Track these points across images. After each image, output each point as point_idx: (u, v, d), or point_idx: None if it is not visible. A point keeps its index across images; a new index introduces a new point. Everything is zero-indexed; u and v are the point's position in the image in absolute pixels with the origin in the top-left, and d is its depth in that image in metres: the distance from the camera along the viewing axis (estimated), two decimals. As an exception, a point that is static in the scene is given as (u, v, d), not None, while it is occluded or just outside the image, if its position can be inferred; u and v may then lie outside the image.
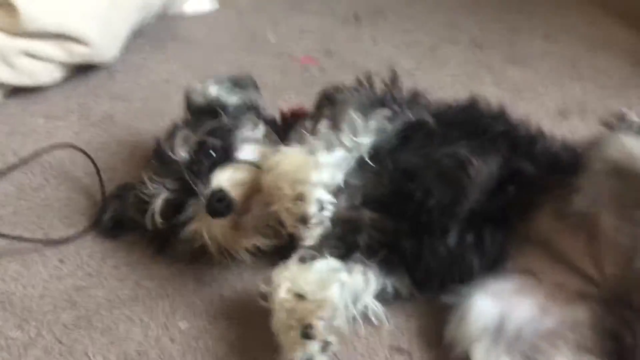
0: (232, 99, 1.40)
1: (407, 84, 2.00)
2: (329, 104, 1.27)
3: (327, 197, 1.10)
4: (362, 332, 1.18)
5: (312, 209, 1.07)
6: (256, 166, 1.23)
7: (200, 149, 1.26)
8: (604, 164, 1.07)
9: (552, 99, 1.98)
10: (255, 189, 1.22)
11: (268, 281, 1.12)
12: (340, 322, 1.09)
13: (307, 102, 1.52)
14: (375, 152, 1.21)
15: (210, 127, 1.29)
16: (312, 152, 1.16)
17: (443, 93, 1.96)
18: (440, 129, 1.24)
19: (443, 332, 1.14)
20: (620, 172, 1.05)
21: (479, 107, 1.32)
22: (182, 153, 1.26)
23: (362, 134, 1.19)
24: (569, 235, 1.15)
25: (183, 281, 1.29)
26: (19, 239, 1.34)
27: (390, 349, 1.16)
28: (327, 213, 1.10)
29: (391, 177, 1.20)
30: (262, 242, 1.25)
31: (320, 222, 1.09)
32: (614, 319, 1.07)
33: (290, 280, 1.10)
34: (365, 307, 1.18)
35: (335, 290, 1.12)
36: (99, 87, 2.02)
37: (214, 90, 1.40)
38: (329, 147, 1.18)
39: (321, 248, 1.20)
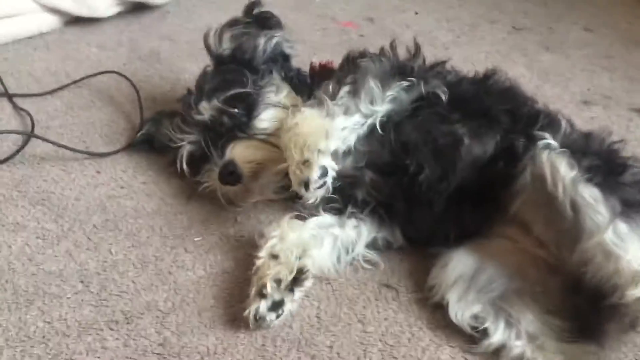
0: (260, 43, 1.45)
1: (440, 56, 2.12)
2: (352, 69, 1.34)
3: (331, 164, 1.18)
4: (357, 267, 1.29)
5: (314, 175, 1.15)
6: (270, 143, 1.35)
7: (221, 115, 1.37)
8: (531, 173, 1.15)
9: (579, 85, 2.03)
10: (265, 162, 1.34)
11: (261, 235, 1.26)
12: (307, 284, 1.19)
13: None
14: (386, 121, 1.30)
15: (233, 94, 1.38)
16: (330, 115, 1.25)
17: (473, 68, 2.07)
18: (447, 105, 1.30)
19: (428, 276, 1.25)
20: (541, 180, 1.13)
21: (491, 81, 1.39)
22: (205, 115, 1.38)
23: (379, 103, 1.28)
24: (537, 215, 1.21)
25: (202, 202, 1.42)
26: (64, 147, 1.50)
27: (380, 284, 1.26)
28: (329, 179, 1.18)
29: (392, 149, 1.29)
30: (271, 197, 1.40)
31: (322, 187, 1.18)
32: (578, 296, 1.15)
33: (279, 237, 1.22)
34: (358, 254, 1.29)
35: (317, 252, 1.24)
36: (150, 25, 2.16)
37: (228, 36, 1.46)
38: (347, 112, 1.27)
39: (317, 205, 1.30)
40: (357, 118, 1.27)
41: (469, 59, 2.14)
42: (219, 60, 1.48)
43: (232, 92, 1.39)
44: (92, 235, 1.32)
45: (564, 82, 2.05)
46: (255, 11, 1.50)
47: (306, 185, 1.16)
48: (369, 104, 1.27)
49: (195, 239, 1.33)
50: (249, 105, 1.40)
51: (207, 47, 1.47)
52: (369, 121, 1.29)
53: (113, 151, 1.54)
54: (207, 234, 1.35)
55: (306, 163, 1.16)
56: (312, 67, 1.57)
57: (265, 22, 1.49)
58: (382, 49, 1.42)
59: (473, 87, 1.39)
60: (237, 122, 1.38)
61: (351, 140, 1.28)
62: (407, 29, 2.31)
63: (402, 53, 1.42)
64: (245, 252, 1.30)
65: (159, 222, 1.37)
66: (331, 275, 1.27)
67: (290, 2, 2.42)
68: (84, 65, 1.89)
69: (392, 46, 1.42)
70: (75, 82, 1.77)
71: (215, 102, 1.38)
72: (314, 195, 1.18)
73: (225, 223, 1.38)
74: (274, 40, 1.48)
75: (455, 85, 1.37)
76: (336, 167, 1.20)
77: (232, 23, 1.47)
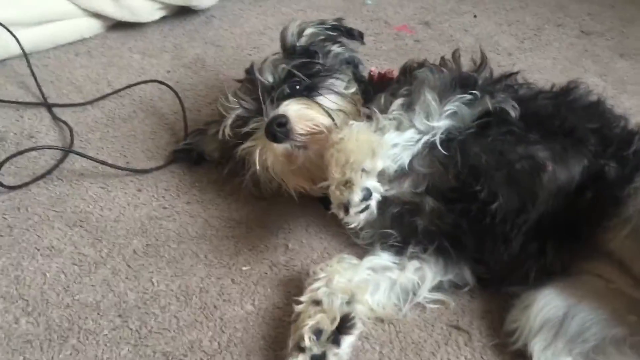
0: (335, 48, 1.37)
1: (503, 63, 1.96)
2: (409, 81, 1.21)
3: (376, 186, 1.05)
4: (423, 306, 1.15)
5: (355, 198, 1.02)
6: (330, 115, 1.21)
7: (286, 78, 1.25)
8: None
9: (660, 98, 1.85)
10: (320, 129, 1.19)
11: (308, 274, 1.14)
12: (355, 332, 1.05)
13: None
14: (448, 139, 1.15)
15: (304, 63, 1.28)
16: (381, 130, 1.11)
17: (541, 76, 1.91)
18: (521, 123, 1.15)
19: (506, 318, 1.10)
20: None
21: (572, 96, 1.23)
22: (268, 76, 1.26)
23: (436, 118, 1.13)
24: None
25: (251, 226, 1.30)
26: (104, 163, 1.39)
27: (449, 326, 1.12)
28: (373, 202, 1.04)
29: (458, 172, 1.14)
30: (310, 186, 1.24)
31: (364, 210, 1.04)
32: None
33: (326, 280, 1.09)
34: (421, 298, 1.15)
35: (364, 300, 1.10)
36: (194, 30, 2.05)
37: (309, 31, 1.38)
38: (399, 127, 1.13)
39: (374, 240, 1.20)
40: (410, 134, 1.13)
41: (535, 67, 1.98)
42: (290, 51, 1.36)
43: (304, 60, 1.29)
44: (131, 262, 1.22)
45: (643, 93, 1.87)
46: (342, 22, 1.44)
47: (346, 208, 1.02)
48: (424, 119, 1.13)
49: (243, 268, 1.21)
50: (316, 82, 1.27)
51: (283, 36, 1.37)
52: (425, 138, 1.14)
53: (155, 167, 1.43)
54: (255, 262, 1.23)
55: (348, 184, 1.02)
56: (370, 77, 1.44)
57: (350, 31, 1.41)
58: (443, 59, 1.27)
59: (552, 103, 1.22)
60: (298, 95, 1.24)
61: (404, 158, 1.13)
62: (466, 34, 2.15)
63: (465, 63, 1.27)
64: (297, 284, 1.18)
65: (204, 247, 1.25)
66: (393, 317, 1.13)
67: (340, 5, 2.29)
68: (126, 73, 1.79)
69: (455, 56, 1.27)
70: (117, 91, 1.68)
71: (284, 65, 1.26)
72: (355, 219, 1.04)
73: (276, 250, 1.25)
74: (348, 53, 1.39)
75: (529, 100, 1.21)
76: (381, 190, 1.06)
77: (319, 22, 1.39)
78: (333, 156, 1.07)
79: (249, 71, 1.31)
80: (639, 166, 1.06)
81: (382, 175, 1.09)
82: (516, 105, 1.15)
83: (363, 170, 1.03)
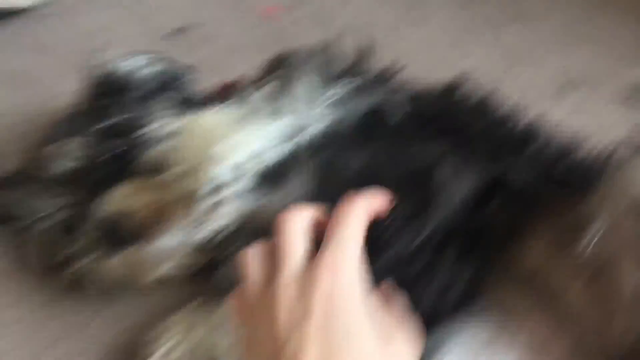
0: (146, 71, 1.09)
1: (385, 43, 1.72)
2: (280, 67, 0.96)
3: (225, 176, 0.82)
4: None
5: (224, 170, 0.81)
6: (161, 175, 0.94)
7: (93, 157, 0.97)
8: (631, 200, 0.77)
9: (554, 65, 1.67)
10: (164, 204, 0.92)
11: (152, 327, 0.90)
12: None
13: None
14: (329, 135, 0.91)
15: (105, 126, 0.98)
16: (247, 116, 0.87)
17: (427, 55, 1.70)
18: (409, 121, 0.94)
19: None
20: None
21: (457, 96, 1.02)
22: (67, 163, 0.97)
23: (320, 105, 0.90)
24: (568, 273, 0.86)
25: (65, 322, 1.01)
26: None
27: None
28: (229, 194, 0.82)
29: (343, 176, 0.88)
30: (174, 270, 0.98)
31: (216, 205, 0.82)
32: None
33: (181, 335, 0.86)
34: None
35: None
36: (19, 34, 1.71)
37: (127, 67, 1.09)
38: (275, 113, 0.88)
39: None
40: (288, 121, 0.89)
41: (419, 44, 1.75)
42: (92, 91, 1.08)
43: (106, 122, 0.99)
44: None
45: (535, 62, 1.68)
46: None
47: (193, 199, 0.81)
48: (305, 105, 0.89)
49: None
50: (133, 140, 0.98)
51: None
52: (306, 130, 0.89)
53: None
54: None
55: (191, 171, 0.82)
56: (216, 91, 1.17)
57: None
58: (315, 50, 1.01)
59: (439, 101, 1.02)
60: (117, 166, 0.97)
61: (271, 158, 0.88)
62: (343, 11, 1.90)
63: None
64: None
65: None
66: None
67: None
68: None
69: (330, 45, 1.02)
70: None
71: (80, 139, 0.98)
72: (206, 216, 0.82)
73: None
74: (169, 67, 1.12)
75: (412, 99, 0.99)
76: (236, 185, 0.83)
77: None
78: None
79: (38, 158, 1.02)
80: (559, 176, 0.87)
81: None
82: (404, 103, 0.95)
83: (230, 144, 0.83)
